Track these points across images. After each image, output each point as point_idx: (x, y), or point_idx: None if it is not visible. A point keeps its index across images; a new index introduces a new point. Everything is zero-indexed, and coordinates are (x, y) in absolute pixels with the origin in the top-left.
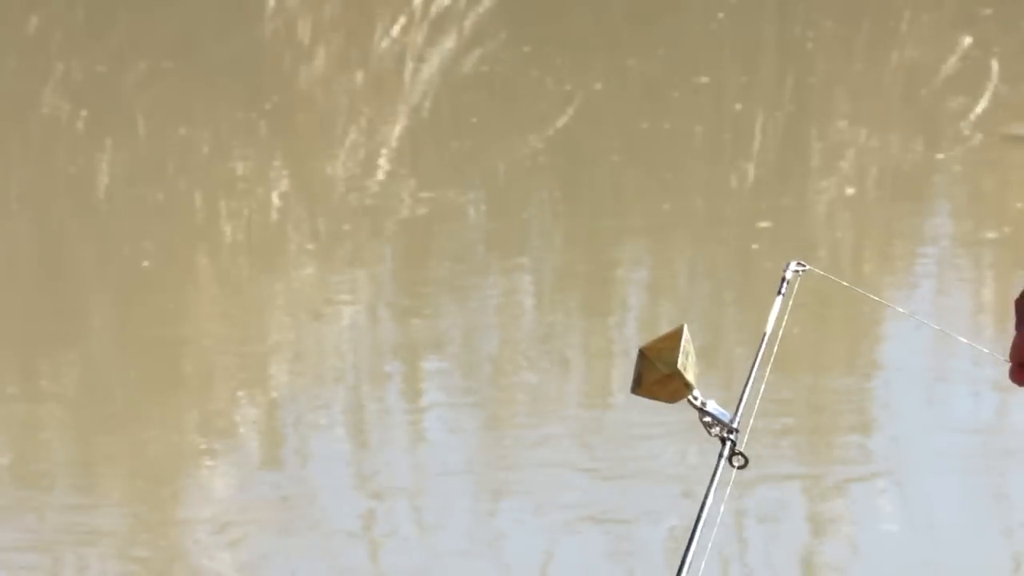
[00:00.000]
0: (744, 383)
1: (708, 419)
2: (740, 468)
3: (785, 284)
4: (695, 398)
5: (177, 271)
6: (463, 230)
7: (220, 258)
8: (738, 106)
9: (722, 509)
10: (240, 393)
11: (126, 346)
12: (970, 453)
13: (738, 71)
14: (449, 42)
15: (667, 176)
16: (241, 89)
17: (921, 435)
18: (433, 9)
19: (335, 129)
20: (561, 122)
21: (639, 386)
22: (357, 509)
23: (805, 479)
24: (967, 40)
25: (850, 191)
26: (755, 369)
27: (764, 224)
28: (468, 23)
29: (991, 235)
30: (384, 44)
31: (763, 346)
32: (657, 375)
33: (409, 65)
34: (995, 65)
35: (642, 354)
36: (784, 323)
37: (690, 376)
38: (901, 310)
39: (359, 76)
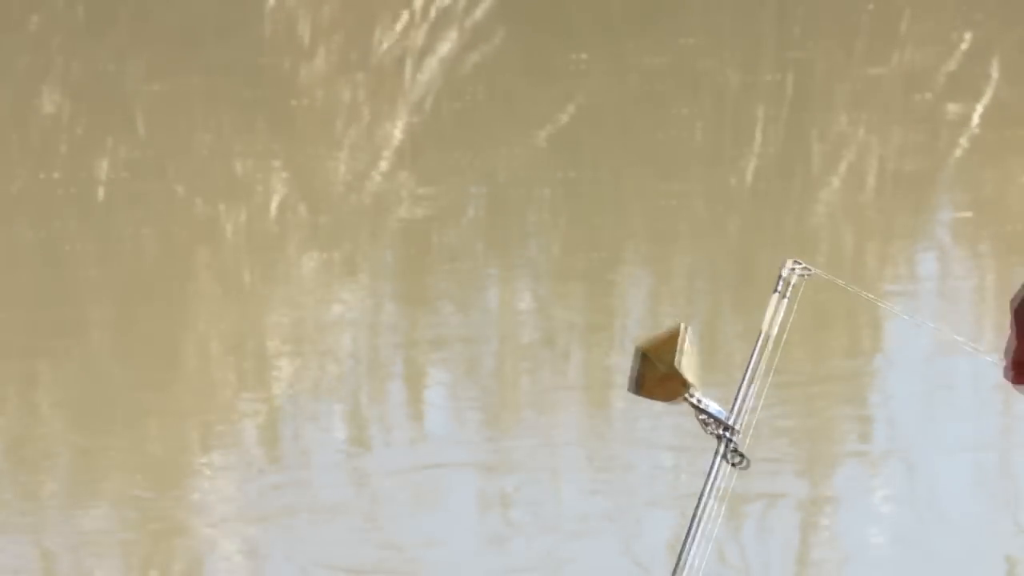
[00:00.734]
0: (740, 382)
1: (706, 418)
2: (739, 467)
3: (782, 282)
4: (693, 397)
5: (177, 270)
6: (463, 229)
7: (220, 257)
8: (738, 106)
9: (721, 509)
10: (240, 392)
11: (126, 346)
12: (968, 451)
13: (738, 71)
14: (449, 42)
15: (667, 176)
16: (241, 89)
17: (919, 434)
18: (433, 9)
19: (335, 129)
20: (561, 122)
21: (638, 386)
22: (357, 509)
23: (802, 477)
24: (967, 40)
25: (850, 191)
26: (751, 368)
27: (764, 224)
28: (468, 23)
29: (991, 235)
30: (384, 44)
31: (759, 345)
32: (656, 374)
33: (409, 65)
34: (995, 65)
35: (640, 353)
36: (787, 324)
37: (688, 375)
38: (897, 311)
39: (359, 76)
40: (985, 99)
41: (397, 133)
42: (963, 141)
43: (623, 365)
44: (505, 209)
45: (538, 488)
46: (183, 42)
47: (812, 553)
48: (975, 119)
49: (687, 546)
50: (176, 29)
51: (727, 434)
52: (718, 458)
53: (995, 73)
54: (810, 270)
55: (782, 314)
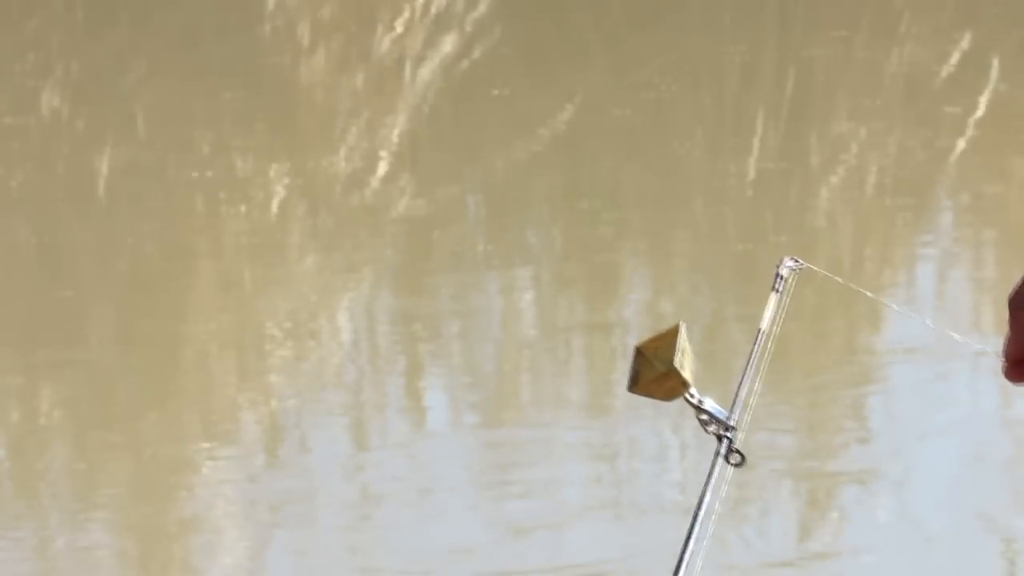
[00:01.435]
0: (739, 380)
1: (705, 417)
2: (737, 466)
3: (780, 280)
4: (691, 396)
5: (177, 271)
6: (463, 229)
7: (220, 258)
8: (738, 106)
9: (717, 506)
10: (240, 392)
11: (126, 346)
12: (968, 450)
13: (738, 71)
14: (449, 42)
15: (667, 176)
16: (241, 89)
17: (917, 432)
18: (433, 9)
19: (335, 129)
20: (561, 122)
21: (635, 384)
22: (358, 509)
23: (801, 475)
24: (967, 40)
25: (850, 191)
26: (750, 366)
27: (764, 224)
28: (468, 23)
29: (991, 234)
30: (384, 44)
31: (758, 343)
32: (654, 373)
33: (409, 65)
34: (995, 65)
35: (638, 352)
36: (780, 320)
37: (687, 374)
38: (895, 307)
39: (359, 76)
40: (985, 99)
41: (397, 133)
42: (963, 141)
43: (623, 365)
44: (505, 209)
45: (538, 488)
46: (183, 42)
47: (811, 549)
48: (975, 119)
49: (687, 545)
50: (176, 29)
51: (727, 433)
52: (718, 457)
53: (995, 73)
54: (800, 263)
55: (782, 312)
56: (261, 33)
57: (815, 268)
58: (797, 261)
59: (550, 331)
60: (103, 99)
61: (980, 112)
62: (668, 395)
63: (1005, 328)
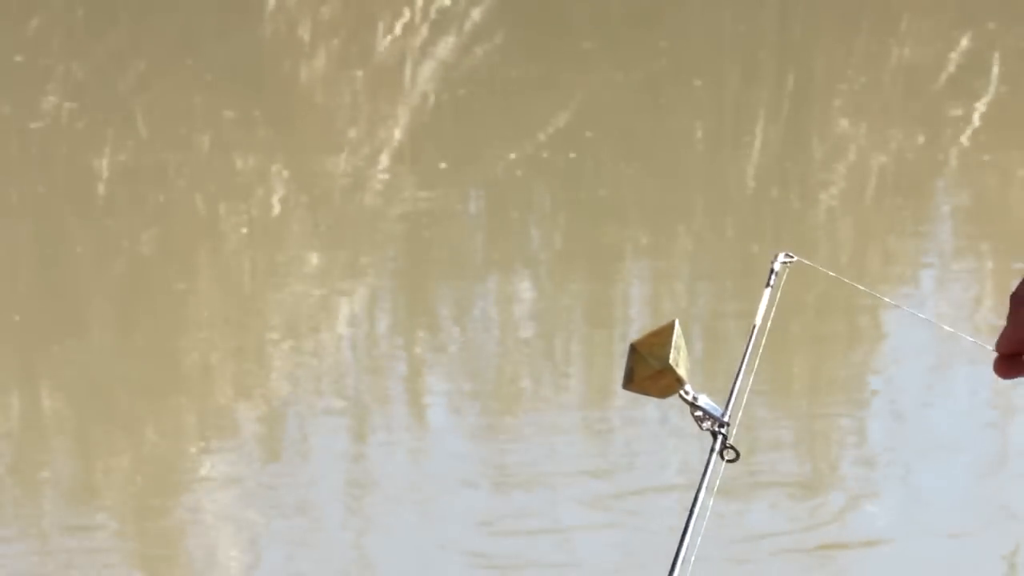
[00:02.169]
0: (735, 376)
1: (699, 413)
2: (731, 461)
3: (774, 276)
4: (686, 393)
5: (177, 271)
6: (463, 229)
7: (221, 258)
8: (738, 106)
9: (711, 503)
10: (240, 392)
11: (126, 346)
12: (967, 448)
13: (738, 71)
14: (449, 42)
15: (667, 176)
16: (241, 89)
17: (916, 431)
18: (433, 9)
19: (335, 129)
20: (561, 122)
21: (630, 381)
22: (358, 508)
23: (800, 475)
24: (967, 40)
25: (850, 190)
26: (745, 362)
27: (764, 224)
28: (468, 23)
29: (991, 234)
30: (384, 44)
31: (752, 339)
32: (649, 371)
33: (409, 65)
34: (995, 65)
35: (633, 349)
36: (771, 314)
37: (681, 371)
38: (888, 300)
39: (359, 76)
40: (985, 99)
41: (397, 133)
42: (963, 141)
43: (623, 363)
44: (505, 209)
45: (538, 488)
46: (183, 42)
47: (808, 551)
48: (975, 119)
49: (683, 540)
50: (176, 29)
51: (721, 430)
52: (713, 454)
53: (995, 73)
54: (793, 258)
55: (773, 306)
56: (261, 33)
57: (807, 262)
58: (790, 256)
59: (550, 330)
60: (103, 99)
61: (980, 112)
62: (663, 392)
63: (1003, 325)
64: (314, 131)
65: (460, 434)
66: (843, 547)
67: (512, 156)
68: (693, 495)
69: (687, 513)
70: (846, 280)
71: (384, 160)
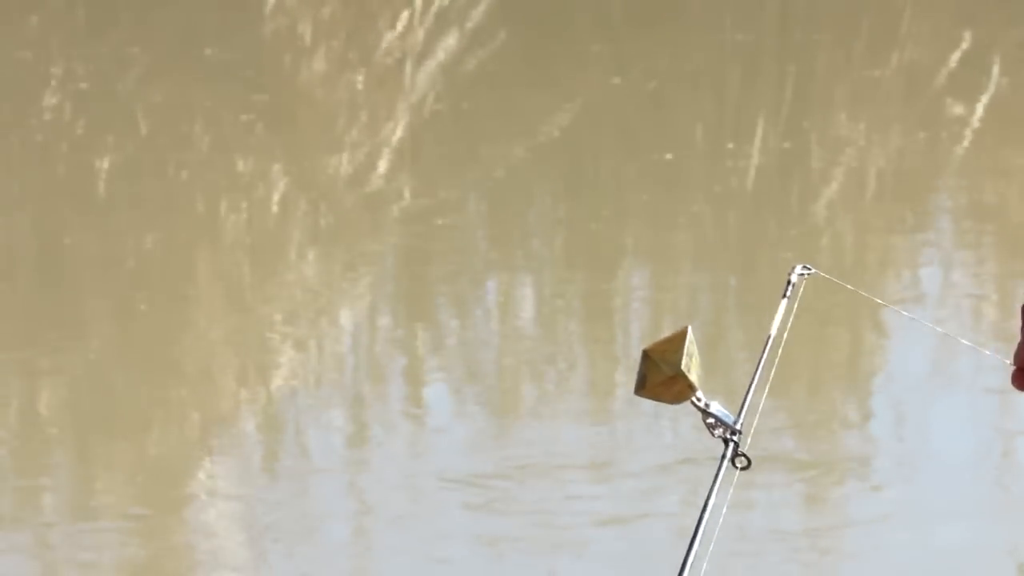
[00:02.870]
0: (748, 385)
1: (711, 420)
2: (743, 469)
3: (790, 287)
4: (698, 399)
5: (178, 270)
6: (463, 229)
7: (221, 257)
8: (738, 106)
9: (724, 510)
10: (241, 392)
11: (126, 346)
12: (973, 455)
13: (738, 71)
14: (449, 42)
15: (667, 177)
16: (241, 89)
17: (923, 438)
18: (433, 9)
19: (335, 129)
20: (561, 122)
21: (643, 387)
22: (358, 509)
23: (807, 481)
24: (967, 40)
25: (851, 191)
26: (759, 371)
27: (765, 224)
28: (468, 23)
29: (992, 235)
30: (384, 44)
31: (767, 349)
32: (661, 377)
33: (409, 65)
34: (995, 65)
35: (646, 355)
36: (788, 326)
37: (694, 378)
38: (906, 313)
39: (359, 76)
40: (985, 99)
41: (397, 133)
42: (963, 141)
43: (624, 364)
44: (505, 209)
45: (538, 490)
46: (183, 42)
47: (811, 549)
48: (975, 119)
49: (691, 546)
50: (176, 29)
51: (733, 437)
52: (724, 461)
53: (995, 73)
54: (810, 270)
55: (791, 318)
56: (262, 32)
57: (825, 275)
58: (807, 268)
59: (551, 331)
60: (103, 98)
61: (981, 112)
62: (675, 398)
63: (1009, 331)
64: (314, 131)
65: (460, 434)
66: (842, 545)
67: (512, 156)
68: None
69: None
70: (864, 294)
71: (384, 160)
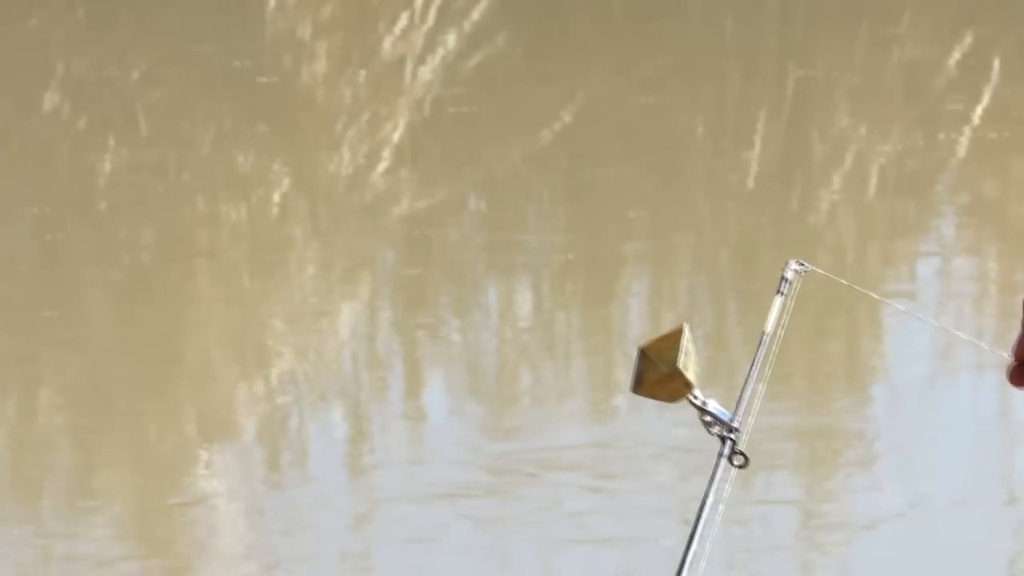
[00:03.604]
0: (743, 383)
1: (708, 418)
2: (740, 467)
3: (785, 284)
4: (695, 397)
5: (178, 270)
6: (463, 229)
7: (221, 257)
8: (739, 105)
9: (721, 508)
10: (240, 391)
11: (126, 346)
12: (971, 452)
13: (739, 70)
14: (449, 42)
15: (668, 176)
16: (241, 88)
17: (922, 434)
18: (433, 9)
19: (336, 129)
20: (561, 122)
21: (639, 385)
22: (357, 508)
23: (805, 477)
24: (967, 40)
25: (851, 191)
26: (755, 368)
27: (765, 224)
28: (468, 23)
29: (992, 234)
30: (384, 44)
31: (763, 345)
32: (657, 374)
33: (409, 65)
34: (995, 65)
35: (642, 353)
36: (785, 322)
37: (690, 375)
38: (900, 307)
39: (359, 76)
40: (985, 99)
41: (397, 133)
42: (963, 141)
43: (624, 364)
44: (505, 209)
45: (538, 490)
46: (183, 42)
47: (812, 551)
48: (975, 119)
49: (689, 546)
50: (177, 28)
51: (730, 435)
52: (721, 459)
53: (995, 73)
54: (805, 265)
55: (786, 315)
56: (262, 32)
57: (820, 271)
58: (802, 264)
59: (551, 331)
60: (104, 98)
61: (981, 111)
62: (672, 396)
63: (1005, 325)
64: (314, 130)
65: (460, 433)
66: (843, 542)
67: (512, 156)
68: (700, 500)
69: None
70: (859, 288)
71: (384, 160)
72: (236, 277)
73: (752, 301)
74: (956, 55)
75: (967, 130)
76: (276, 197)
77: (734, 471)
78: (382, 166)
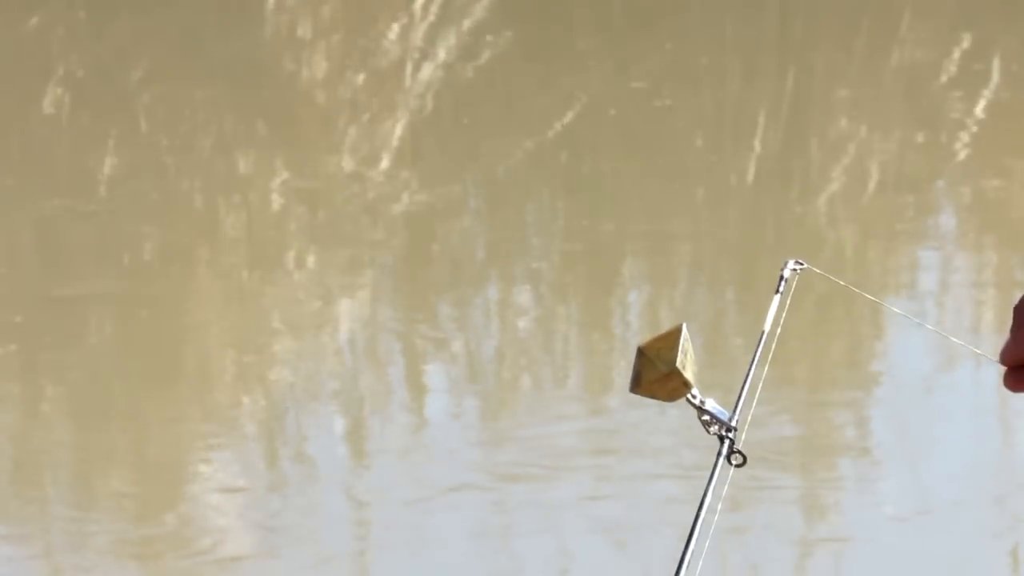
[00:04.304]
0: (742, 381)
1: (707, 418)
2: (738, 466)
3: (783, 283)
4: (693, 396)
5: (178, 270)
6: (463, 229)
7: (221, 257)
8: (738, 106)
9: (719, 507)
10: (240, 391)
11: (126, 346)
12: (968, 453)
13: (739, 71)
14: (449, 42)
15: (667, 175)
16: (241, 88)
17: (918, 436)
18: (433, 9)
19: (335, 129)
20: (561, 122)
21: (638, 385)
22: (358, 508)
23: (803, 479)
24: (967, 40)
25: (851, 191)
26: (753, 367)
27: (765, 224)
28: (468, 23)
29: (992, 235)
30: (384, 44)
31: (761, 344)
32: (656, 374)
33: (409, 65)
34: (996, 65)
35: (641, 352)
36: (782, 321)
37: (689, 375)
38: (897, 310)
39: (359, 76)
40: (985, 99)
41: (397, 133)
42: (963, 141)
43: (623, 364)
44: (506, 209)
45: (538, 490)
46: (183, 42)
47: (812, 552)
48: (975, 119)
49: (688, 546)
50: (177, 28)
51: (729, 434)
52: (720, 458)
53: (995, 73)
54: (803, 265)
55: (783, 313)
56: (262, 32)
57: (817, 271)
58: (800, 263)
59: (550, 331)
60: (104, 98)
61: (980, 112)
62: (670, 396)
63: (1004, 327)
64: (314, 130)
65: (460, 433)
66: (845, 540)
67: (512, 156)
68: (699, 499)
69: (693, 515)
70: (856, 290)
71: (384, 159)
72: (236, 277)
73: (751, 301)
74: (956, 55)
75: (967, 130)
76: (276, 197)
77: (732, 470)
78: (382, 165)
